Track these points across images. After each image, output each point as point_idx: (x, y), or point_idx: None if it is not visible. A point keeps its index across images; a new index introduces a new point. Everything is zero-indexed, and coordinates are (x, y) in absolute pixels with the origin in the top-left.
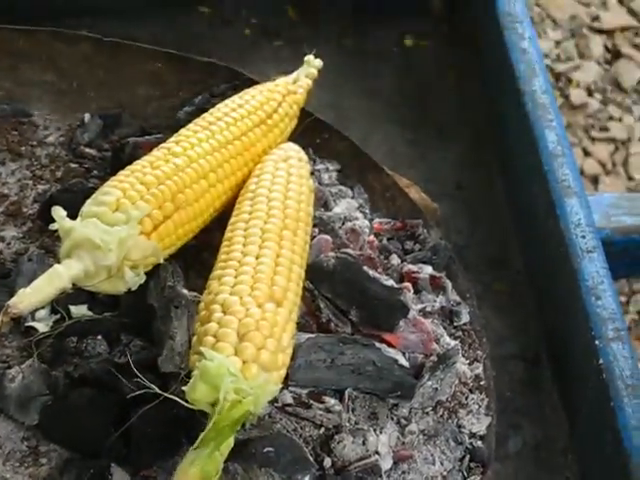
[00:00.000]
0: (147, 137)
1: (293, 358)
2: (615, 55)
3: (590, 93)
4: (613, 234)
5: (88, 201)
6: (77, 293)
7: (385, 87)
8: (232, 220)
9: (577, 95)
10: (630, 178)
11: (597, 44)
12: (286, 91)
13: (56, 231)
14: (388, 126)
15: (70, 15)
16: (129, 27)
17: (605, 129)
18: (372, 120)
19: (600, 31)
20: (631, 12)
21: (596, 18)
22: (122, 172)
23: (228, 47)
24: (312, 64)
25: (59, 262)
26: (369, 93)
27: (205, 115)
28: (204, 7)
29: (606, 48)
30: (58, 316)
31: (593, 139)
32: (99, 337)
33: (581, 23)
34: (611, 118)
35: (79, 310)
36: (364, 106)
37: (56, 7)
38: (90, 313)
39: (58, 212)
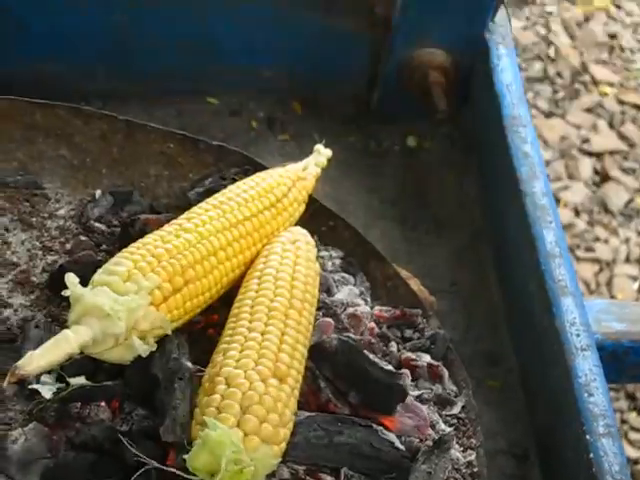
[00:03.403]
0: (157, 215)
1: (292, 434)
2: (603, 178)
3: (577, 213)
4: (603, 339)
5: (99, 270)
6: (82, 361)
7: (385, 184)
8: (239, 297)
9: (564, 215)
10: (613, 297)
11: (586, 166)
12: (296, 177)
13: (64, 301)
14: (386, 222)
15: (81, 99)
16: (138, 114)
17: (590, 249)
18: (371, 215)
19: (589, 153)
20: (621, 136)
21: (586, 140)
22: (134, 244)
23: (234, 138)
24: (322, 153)
25: (67, 329)
26: (370, 189)
27: (217, 195)
28: (212, 98)
29: (595, 170)
30: (63, 385)
31: (578, 259)
32: (102, 404)
33: (571, 145)
34: (597, 239)
35: (78, 381)
36: (364, 201)
37: (68, 89)
38: (89, 383)
39: (71, 279)
